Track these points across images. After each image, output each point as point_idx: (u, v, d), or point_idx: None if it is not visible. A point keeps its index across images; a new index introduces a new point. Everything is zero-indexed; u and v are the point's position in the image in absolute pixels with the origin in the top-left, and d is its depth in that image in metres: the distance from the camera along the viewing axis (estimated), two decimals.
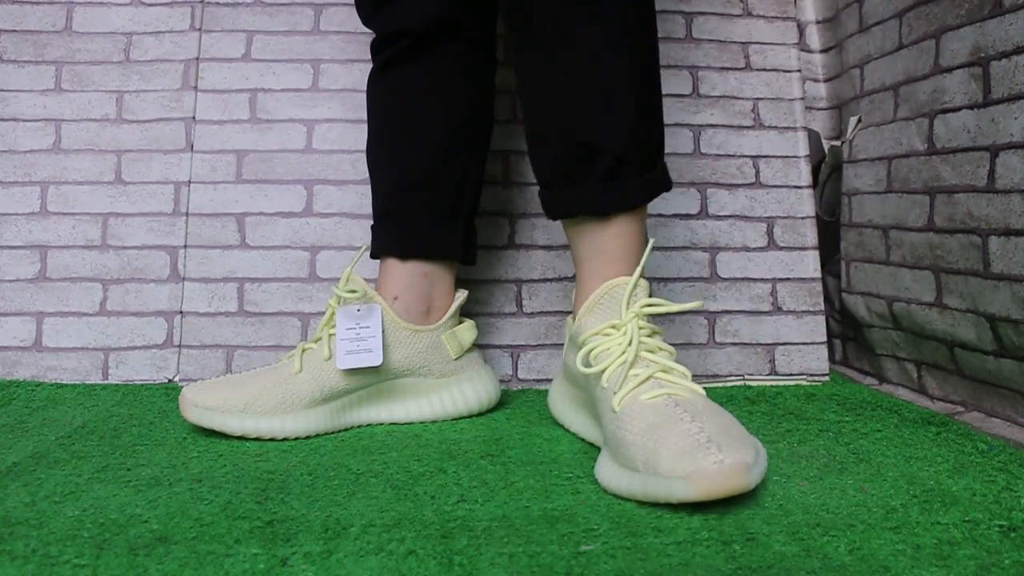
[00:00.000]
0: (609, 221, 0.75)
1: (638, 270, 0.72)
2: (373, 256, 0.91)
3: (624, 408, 0.66)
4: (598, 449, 0.75)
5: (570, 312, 1.04)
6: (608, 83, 0.73)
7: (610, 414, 0.67)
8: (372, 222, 0.92)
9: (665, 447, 0.60)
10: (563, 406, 0.82)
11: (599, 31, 0.73)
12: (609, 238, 0.75)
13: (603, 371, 0.69)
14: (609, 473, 0.64)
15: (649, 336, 0.71)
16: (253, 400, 0.78)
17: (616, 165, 0.74)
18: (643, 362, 0.69)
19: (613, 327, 0.71)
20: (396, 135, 0.90)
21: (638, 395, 0.66)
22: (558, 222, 1.05)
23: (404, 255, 0.88)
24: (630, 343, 0.69)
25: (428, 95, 0.88)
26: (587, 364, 0.71)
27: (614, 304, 0.72)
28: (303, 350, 0.83)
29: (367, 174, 1.06)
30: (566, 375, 0.82)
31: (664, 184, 0.78)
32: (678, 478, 0.57)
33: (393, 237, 0.89)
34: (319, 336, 0.84)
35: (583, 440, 0.78)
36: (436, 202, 0.89)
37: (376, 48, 0.91)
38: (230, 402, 0.78)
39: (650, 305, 0.71)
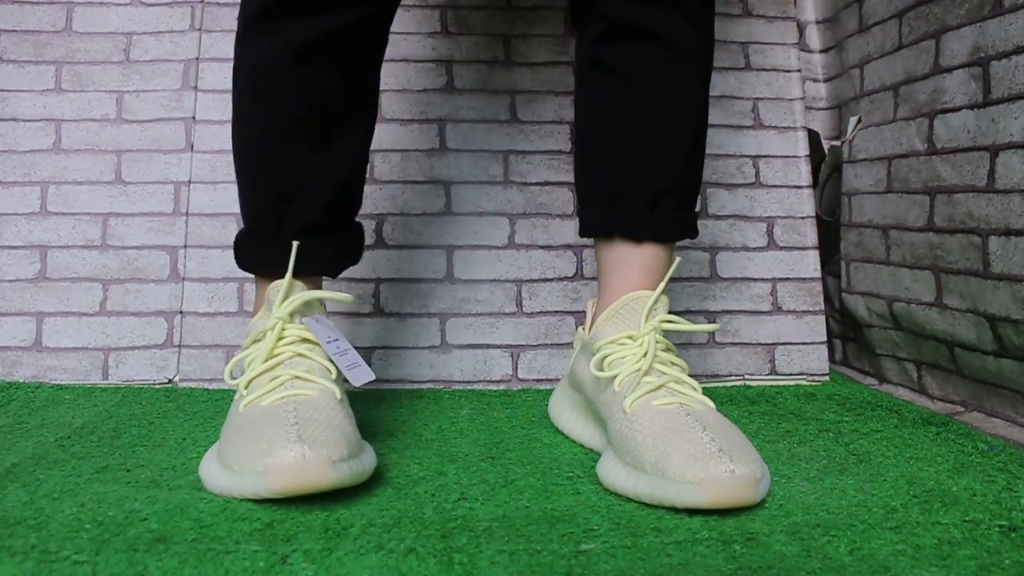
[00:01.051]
0: (640, 245, 0.77)
1: (661, 285, 0.74)
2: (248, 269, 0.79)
3: (635, 410, 0.67)
4: (599, 452, 0.75)
5: (570, 312, 1.04)
6: (671, 121, 0.78)
7: (620, 414, 0.68)
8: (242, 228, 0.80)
9: (676, 451, 0.61)
10: (565, 412, 0.82)
11: (676, 73, 0.77)
12: (637, 257, 0.77)
13: (615, 376, 0.70)
14: (614, 472, 0.65)
15: (664, 351, 0.72)
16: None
17: (656, 197, 0.77)
18: (656, 372, 0.70)
19: (630, 337, 0.72)
20: (267, 124, 0.76)
21: (650, 400, 0.67)
22: (557, 221, 1.05)
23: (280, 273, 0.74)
24: (645, 354, 0.70)
25: (307, 68, 0.73)
26: (599, 369, 0.72)
27: (633, 316, 0.73)
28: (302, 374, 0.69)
29: (368, 173, 1.06)
30: (571, 382, 0.82)
31: (692, 230, 0.81)
32: (688, 483, 0.58)
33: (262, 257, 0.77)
34: (275, 355, 0.70)
35: (583, 446, 0.78)
36: (312, 213, 0.77)
37: None
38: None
39: (668, 321, 0.73)
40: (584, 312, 0.90)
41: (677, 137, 0.78)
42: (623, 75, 0.77)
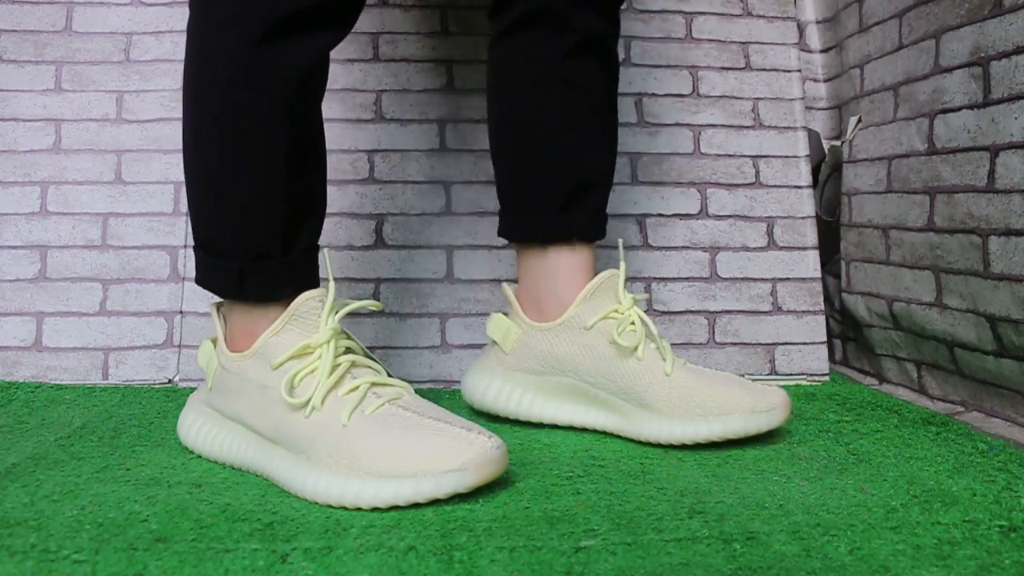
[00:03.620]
0: (591, 243, 0.84)
1: (623, 264, 0.81)
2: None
3: (678, 372, 0.77)
4: (597, 447, 0.76)
5: None
6: (615, 135, 0.86)
7: (661, 377, 0.77)
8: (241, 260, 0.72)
9: (739, 391, 0.75)
10: (527, 400, 0.83)
11: (615, 89, 0.86)
12: (591, 253, 0.84)
13: (636, 347, 0.78)
14: (680, 427, 0.75)
15: None
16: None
17: (603, 203, 0.85)
18: (654, 337, 0.80)
19: (616, 311, 0.80)
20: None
21: (677, 361, 0.79)
22: None
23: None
24: (643, 323, 0.79)
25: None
26: (612, 342, 0.79)
27: (607, 294, 0.80)
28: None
29: (367, 174, 1.07)
30: (527, 369, 0.83)
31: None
32: (764, 411, 0.75)
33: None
34: (336, 367, 0.68)
35: (565, 427, 0.82)
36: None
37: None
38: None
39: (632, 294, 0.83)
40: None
41: (612, 145, 0.87)
42: (589, 91, 0.83)
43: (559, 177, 0.83)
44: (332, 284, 0.69)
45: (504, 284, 0.87)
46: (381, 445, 0.62)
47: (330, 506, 0.61)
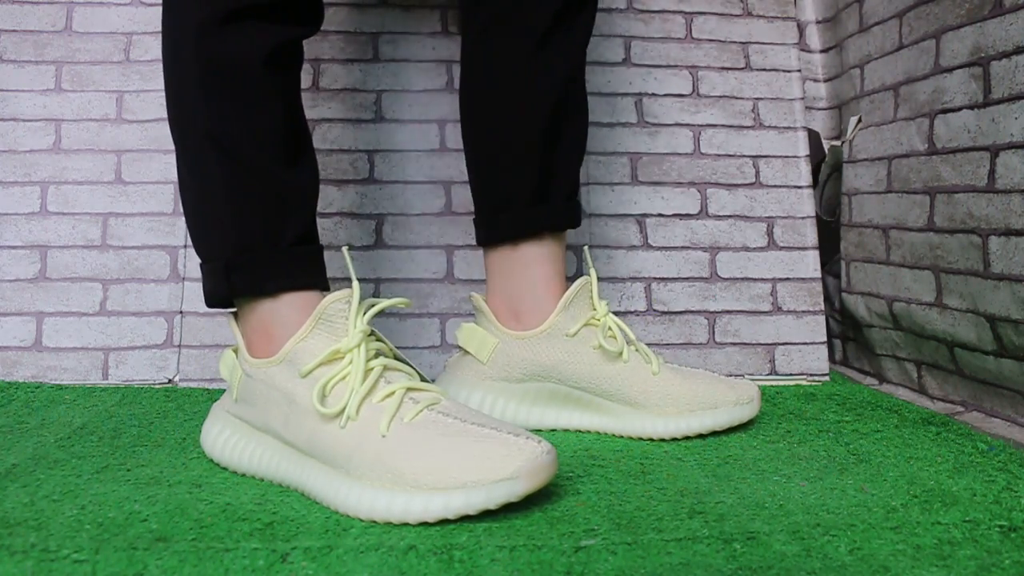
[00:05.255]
0: (561, 233, 0.84)
1: (592, 271, 0.83)
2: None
3: (664, 372, 0.81)
4: (597, 447, 0.76)
5: None
6: (580, 104, 0.85)
7: (649, 378, 0.80)
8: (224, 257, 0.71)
9: (722, 386, 0.80)
10: (511, 408, 0.82)
11: (578, 76, 0.84)
12: (560, 246, 0.84)
13: (621, 352, 0.80)
14: (674, 422, 0.78)
15: None
16: None
17: (573, 187, 0.84)
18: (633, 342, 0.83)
19: (595, 319, 0.81)
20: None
21: (662, 362, 0.82)
22: None
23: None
24: (619, 328, 0.81)
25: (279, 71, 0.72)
26: (599, 347, 0.80)
27: (582, 301, 0.81)
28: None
29: (368, 174, 1.07)
30: (507, 378, 0.82)
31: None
32: (746, 403, 0.81)
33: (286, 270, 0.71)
34: (368, 371, 0.65)
35: (550, 430, 0.83)
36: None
37: None
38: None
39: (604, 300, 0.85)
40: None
41: (586, 122, 0.87)
42: (555, 79, 0.81)
43: (524, 171, 0.81)
44: (357, 284, 0.66)
45: (472, 294, 0.86)
46: (425, 455, 0.59)
47: (374, 522, 0.58)
